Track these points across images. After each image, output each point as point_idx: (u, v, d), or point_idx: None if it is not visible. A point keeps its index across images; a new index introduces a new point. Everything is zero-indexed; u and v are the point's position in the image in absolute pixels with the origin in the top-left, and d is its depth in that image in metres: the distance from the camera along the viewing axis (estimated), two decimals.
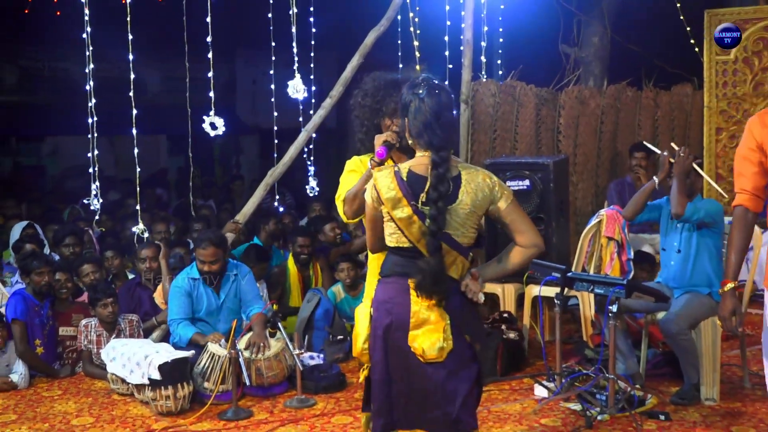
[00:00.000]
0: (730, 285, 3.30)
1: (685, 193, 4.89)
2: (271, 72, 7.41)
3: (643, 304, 5.06)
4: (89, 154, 6.05)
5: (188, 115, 6.99)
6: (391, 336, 3.15)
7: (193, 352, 5.30)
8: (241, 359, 5.08)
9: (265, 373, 5.28)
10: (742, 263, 3.43)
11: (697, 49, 8.51)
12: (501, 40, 8.61)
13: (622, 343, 5.01)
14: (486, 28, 7.99)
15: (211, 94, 6.28)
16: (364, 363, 3.31)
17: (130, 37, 5.96)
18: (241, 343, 5.29)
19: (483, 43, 7.93)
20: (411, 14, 7.46)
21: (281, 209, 8.31)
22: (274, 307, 5.81)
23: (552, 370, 5.15)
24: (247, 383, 5.10)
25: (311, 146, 7.38)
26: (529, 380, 5.38)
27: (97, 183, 6.04)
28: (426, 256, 3.05)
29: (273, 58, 7.28)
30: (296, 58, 6.82)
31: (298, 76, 6.78)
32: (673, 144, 5.24)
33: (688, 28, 8.82)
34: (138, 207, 6.43)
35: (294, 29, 6.79)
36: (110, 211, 9.32)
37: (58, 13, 10.44)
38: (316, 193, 7.69)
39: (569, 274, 4.94)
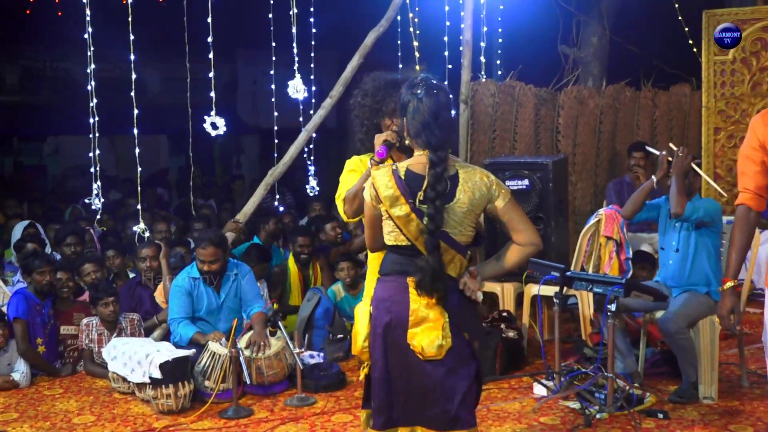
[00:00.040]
0: (729, 283, 3.31)
1: (684, 192, 4.91)
2: (272, 72, 7.43)
3: (642, 303, 5.07)
4: (90, 154, 6.06)
5: (189, 115, 7.00)
6: (390, 334, 3.17)
7: (194, 350, 5.31)
8: (241, 358, 5.09)
9: (266, 371, 5.29)
10: (743, 262, 3.44)
11: (695, 50, 8.52)
12: (500, 40, 8.62)
13: (620, 341, 5.03)
14: (485, 29, 8.00)
15: (212, 94, 6.29)
16: (364, 361, 3.32)
17: (132, 37, 5.98)
18: (242, 342, 5.30)
19: (482, 44, 7.94)
20: (411, 15, 7.47)
21: (281, 209, 8.33)
22: (275, 306, 5.83)
23: (551, 369, 5.16)
24: (248, 382, 5.11)
25: (311, 146, 7.40)
26: (528, 379, 5.39)
27: (99, 182, 6.05)
28: (424, 255, 3.07)
29: (273, 59, 7.30)
30: (296, 59, 6.84)
31: (298, 76, 6.80)
32: (671, 144, 5.25)
33: (687, 29, 8.83)
34: (139, 206, 6.45)
35: (294, 29, 6.81)
36: (111, 210, 9.36)
37: (60, 14, 10.45)
38: (316, 193, 7.71)
39: (568, 273, 4.96)
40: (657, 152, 5.31)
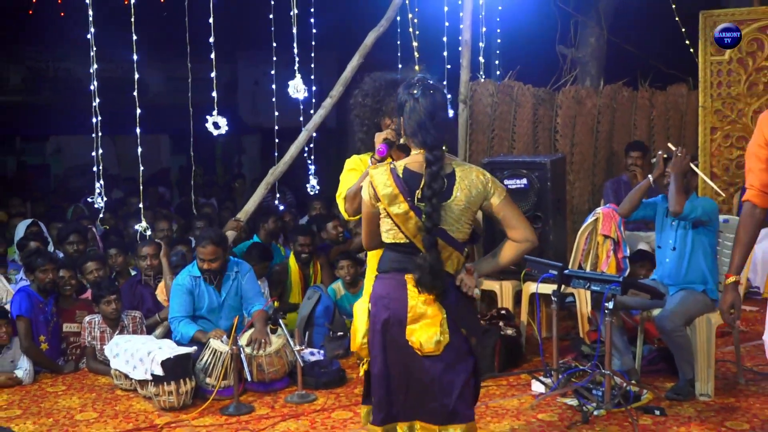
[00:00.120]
0: (731, 279, 3.33)
1: (683, 191, 4.93)
2: (272, 72, 7.45)
3: (639, 301, 5.10)
4: (93, 153, 6.08)
5: (190, 115, 7.03)
6: (389, 330, 3.21)
7: (195, 348, 5.33)
8: (242, 355, 5.11)
9: (267, 368, 5.32)
10: (747, 258, 3.44)
11: (692, 50, 8.55)
12: (499, 40, 8.64)
13: (618, 339, 5.06)
14: (484, 29, 8.02)
15: (214, 94, 6.33)
16: (364, 357, 3.36)
17: (134, 37, 6.00)
18: (243, 340, 5.32)
19: (481, 44, 7.97)
20: (410, 15, 7.49)
21: (282, 207, 8.36)
22: (275, 304, 5.87)
23: (549, 366, 5.18)
24: (249, 379, 5.13)
25: (312, 145, 7.42)
26: (526, 376, 5.42)
27: (101, 181, 6.07)
28: (422, 252, 3.11)
29: (274, 59, 7.32)
30: (297, 59, 6.86)
31: (298, 76, 6.82)
32: (669, 144, 5.26)
33: (684, 29, 8.85)
34: (141, 205, 6.48)
35: (294, 30, 6.82)
36: (113, 209, 9.40)
37: (62, 14, 10.48)
38: (317, 192, 7.73)
39: (566, 272, 4.98)
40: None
